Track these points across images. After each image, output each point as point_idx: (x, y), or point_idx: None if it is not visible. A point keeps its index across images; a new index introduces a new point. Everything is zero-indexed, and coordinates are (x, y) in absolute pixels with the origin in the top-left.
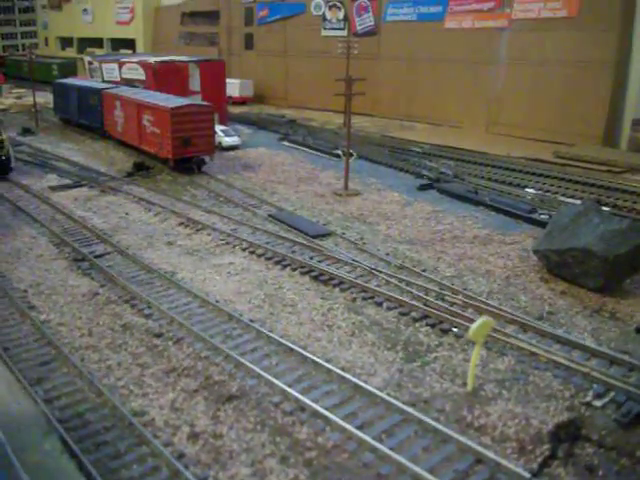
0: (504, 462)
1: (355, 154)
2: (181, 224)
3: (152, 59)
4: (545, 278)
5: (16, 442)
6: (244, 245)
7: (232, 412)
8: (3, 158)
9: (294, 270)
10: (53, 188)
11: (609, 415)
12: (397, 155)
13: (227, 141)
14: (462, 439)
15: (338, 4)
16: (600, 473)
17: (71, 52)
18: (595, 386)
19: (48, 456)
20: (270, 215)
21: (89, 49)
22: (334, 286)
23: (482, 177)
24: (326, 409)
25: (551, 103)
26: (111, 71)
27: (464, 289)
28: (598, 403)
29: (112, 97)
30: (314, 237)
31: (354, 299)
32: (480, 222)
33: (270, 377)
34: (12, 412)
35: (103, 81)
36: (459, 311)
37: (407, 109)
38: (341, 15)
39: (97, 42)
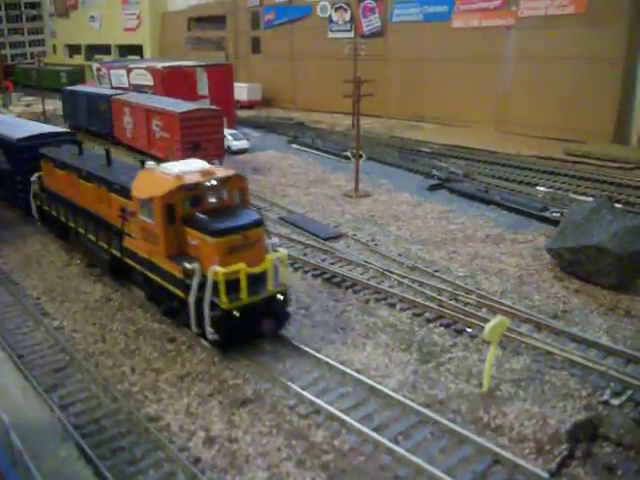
0: (522, 463)
1: (365, 155)
2: None
3: (160, 64)
4: (558, 276)
5: (32, 449)
6: None
7: (247, 416)
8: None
9: (306, 273)
10: None
11: (627, 414)
12: (407, 156)
13: (236, 145)
14: (479, 440)
15: (344, 6)
16: (619, 472)
17: (79, 59)
18: (612, 384)
19: (64, 463)
20: (281, 218)
21: (97, 56)
22: (347, 288)
23: (492, 176)
24: (342, 412)
25: (560, 100)
26: (119, 77)
27: (477, 289)
28: (615, 402)
29: (121, 103)
30: (326, 239)
31: (367, 301)
32: (492, 221)
33: (284, 380)
34: (28, 419)
35: (111, 87)
36: (473, 311)
37: (415, 109)
38: (347, 17)
39: (105, 49)
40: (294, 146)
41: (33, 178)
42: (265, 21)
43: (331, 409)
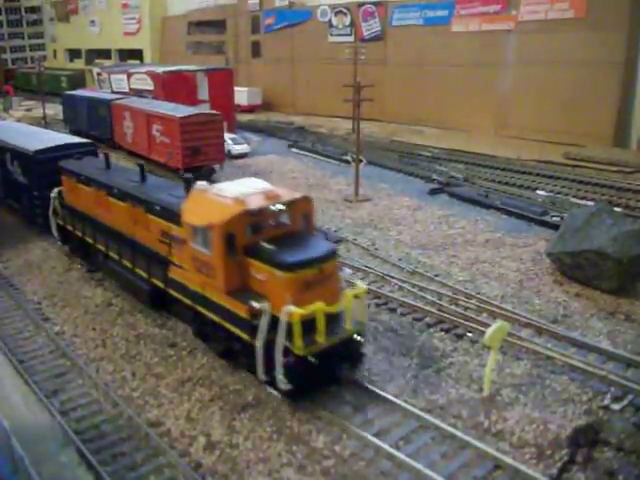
0: (523, 468)
1: (365, 160)
2: None
3: (160, 69)
4: (559, 281)
5: (33, 454)
6: None
7: (248, 421)
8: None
9: None
10: None
11: (627, 418)
12: (406, 160)
13: (236, 149)
14: (480, 445)
15: (344, 10)
16: (620, 477)
17: (79, 64)
18: (612, 389)
19: (65, 468)
20: None
21: (97, 60)
22: None
23: (492, 180)
24: (341, 417)
25: (560, 104)
26: (120, 82)
27: (477, 293)
28: (616, 406)
29: (121, 108)
30: None
31: (367, 305)
32: (492, 225)
33: None
34: (29, 425)
35: (112, 92)
36: (473, 315)
37: (415, 113)
38: (347, 21)
39: (105, 53)
40: (294, 150)
41: (53, 194)
42: (265, 25)
43: (331, 415)
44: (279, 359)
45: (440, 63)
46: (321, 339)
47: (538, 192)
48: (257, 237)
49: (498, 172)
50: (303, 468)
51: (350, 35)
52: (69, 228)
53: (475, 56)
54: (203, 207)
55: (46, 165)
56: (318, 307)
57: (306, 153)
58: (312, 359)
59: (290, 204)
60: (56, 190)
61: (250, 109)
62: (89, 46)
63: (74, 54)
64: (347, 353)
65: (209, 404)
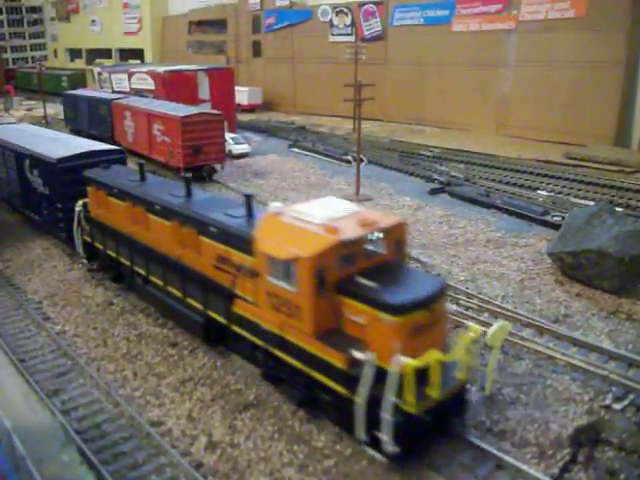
0: (524, 467)
1: (365, 159)
2: None
3: (161, 68)
4: (560, 280)
5: (34, 454)
6: None
7: (249, 421)
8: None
9: None
10: None
11: (629, 418)
12: (407, 159)
13: (237, 149)
14: (482, 444)
15: (345, 10)
16: (621, 477)
17: (80, 63)
18: (614, 389)
19: (66, 467)
20: None
21: (98, 60)
22: None
23: (493, 180)
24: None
25: (561, 104)
26: (120, 81)
27: (479, 293)
28: (617, 406)
29: (122, 107)
30: None
31: None
32: (492, 225)
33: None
34: (30, 424)
35: (113, 91)
36: (474, 315)
37: (416, 113)
38: (348, 21)
39: (106, 53)
40: (295, 150)
41: (77, 207)
42: (266, 25)
43: None
44: (387, 419)
45: (441, 63)
46: (435, 393)
47: (539, 192)
48: (349, 270)
49: (499, 172)
50: (304, 467)
51: (351, 35)
52: (99, 246)
53: (476, 56)
54: (283, 234)
55: (70, 174)
56: (434, 356)
57: (307, 153)
58: (424, 416)
59: (388, 231)
60: (81, 202)
61: (251, 109)
62: (90, 46)
63: (75, 54)
64: (453, 403)
65: (210, 404)
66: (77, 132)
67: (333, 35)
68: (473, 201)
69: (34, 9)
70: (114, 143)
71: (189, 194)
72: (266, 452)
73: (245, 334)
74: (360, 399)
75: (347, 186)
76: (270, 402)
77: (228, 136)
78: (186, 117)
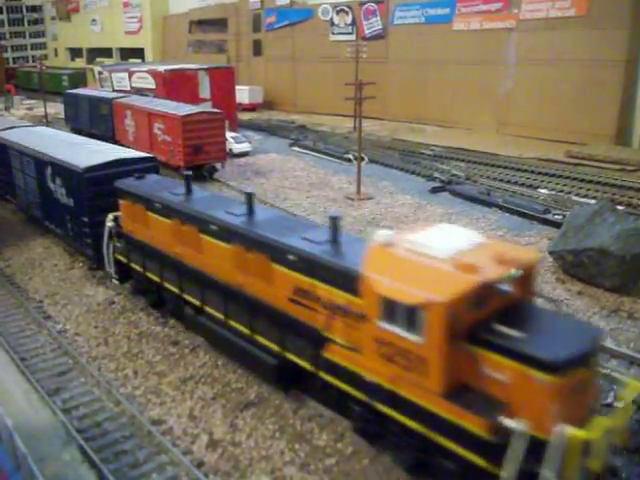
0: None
1: (366, 158)
2: None
3: (161, 67)
4: (561, 279)
5: (35, 453)
6: None
7: (250, 419)
8: None
9: None
10: None
11: (631, 417)
12: (408, 158)
13: (238, 148)
14: None
15: (346, 9)
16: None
17: (80, 62)
18: (615, 387)
19: (68, 466)
20: None
21: (98, 59)
22: None
23: (494, 178)
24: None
25: (562, 103)
26: (121, 80)
27: None
28: (619, 405)
29: (123, 106)
30: None
31: None
32: (494, 224)
33: None
34: (31, 423)
35: (113, 91)
36: None
37: (417, 112)
38: (349, 19)
39: (106, 52)
40: (296, 149)
41: (109, 222)
42: (266, 24)
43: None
44: None
45: (442, 61)
46: (597, 465)
47: (540, 190)
48: (481, 314)
49: (500, 170)
50: (306, 466)
51: (352, 34)
52: (136, 267)
53: (476, 54)
54: (401, 272)
55: (99, 185)
56: (602, 424)
57: (307, 151)
58: None
59: (527, 268)
60: (111, 216)
61: (251, 107)
62: (90, 45)
63: (75, 53)
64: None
65: (211, 402)
66: (78, 131)
67: (334, 34)
68: (474, 200)
69: (34, 8)
70: (115, 142)
71: (251, 212)
72: (267, 451)
73: (338, 384)
74: (507, 474)
75: (348, 185)
76: (271, 401)
77: (229, 135)
78: (187, 116)
